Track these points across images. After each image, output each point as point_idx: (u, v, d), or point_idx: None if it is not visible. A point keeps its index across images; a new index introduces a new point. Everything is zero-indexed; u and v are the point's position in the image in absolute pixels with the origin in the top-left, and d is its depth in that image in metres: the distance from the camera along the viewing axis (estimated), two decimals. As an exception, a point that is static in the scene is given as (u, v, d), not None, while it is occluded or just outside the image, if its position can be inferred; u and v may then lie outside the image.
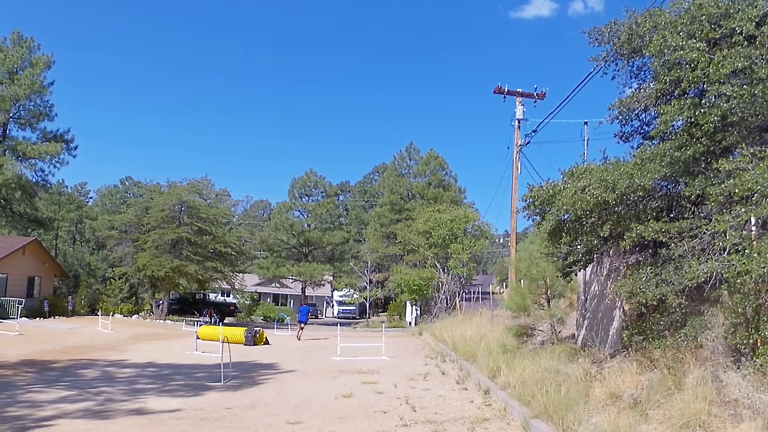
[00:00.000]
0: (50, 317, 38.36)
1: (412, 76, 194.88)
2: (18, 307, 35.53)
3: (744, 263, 7.76)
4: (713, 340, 9.18)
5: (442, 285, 42.72)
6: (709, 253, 8.91)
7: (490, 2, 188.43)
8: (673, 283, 9.19)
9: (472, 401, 12.24)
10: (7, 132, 50.04)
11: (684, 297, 9.34)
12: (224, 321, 46.17)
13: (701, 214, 9.75)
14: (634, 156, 11.87)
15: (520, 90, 30.81)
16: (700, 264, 8.61)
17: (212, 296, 60.69)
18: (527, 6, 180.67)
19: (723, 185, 8.63)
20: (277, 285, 72.42)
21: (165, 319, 45.02)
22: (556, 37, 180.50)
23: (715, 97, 9.44)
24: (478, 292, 47.12)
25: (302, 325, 34.88)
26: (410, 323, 48.71)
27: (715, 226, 8.74)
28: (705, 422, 7.45)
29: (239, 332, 27.48)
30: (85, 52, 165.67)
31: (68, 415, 10.64)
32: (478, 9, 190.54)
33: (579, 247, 13.15)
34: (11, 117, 49.38)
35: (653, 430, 7.89)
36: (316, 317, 68.75)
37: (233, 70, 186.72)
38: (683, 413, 7.62)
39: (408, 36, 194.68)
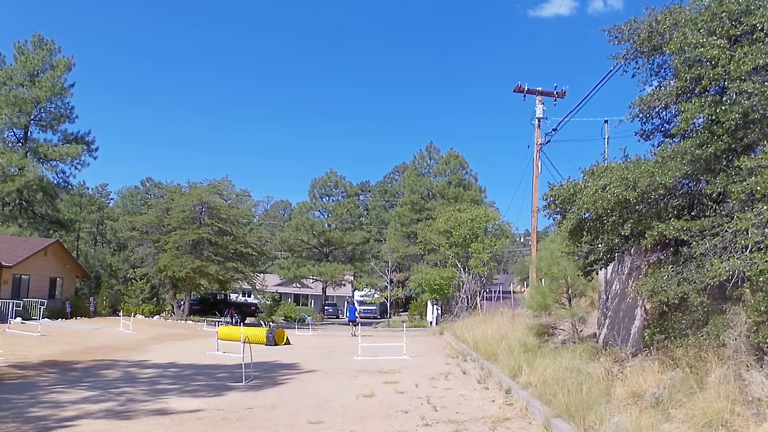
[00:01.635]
0: (72, 318, 38.80)
1: (432, 74, 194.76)
2: (40, 308, 35.98)
3: (766, 261, 7.71)
4: (735, 339, 9.11)
5: (463, 284, 42.66)
6: (731, 252, 8.84)
7: (509, 1, 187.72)
8: (694, 282, 9.14)
9: (493, 401, 12.22)
10: (29, 134, 50.84)
11: (706, 295, 9.29)
12: (245, 321, 46.39)
13: (723, 212, 9.66)
14: (654, 154, 11.80)
15: (540, 89, 30.67)
16: (722, 262, 8.55)
17: (233, 296, 61.03)
18: (546, 5, 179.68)
19: (745, 183, 8.57)
20: (298, 285, 72.63)
21: (186, 320, 45.37)
22: (575, 36, 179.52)
23: (736, 94, 9.37)
24: (499, 291, 47.00)
25: (353, 323, 38.35)
26: (431, 323, 48.69)
27: (736, 224, 8.68)
28: (727, 421, 7.41)
29: (260, 332, 27.61)
30: (105, 52, 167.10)
31: (90, 416, 10.74)
32: (497, 8, 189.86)
33: (600, 245, 13.11)
34: (32, 119, 50.09)
35: (675, 429, 7.85)
36: (337, 317, 68.91)
37: (253, 69, 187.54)
38: (705, 412, 7.58)
39: (427, 34, 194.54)
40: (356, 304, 75.01)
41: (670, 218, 10.32)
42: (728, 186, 9.09)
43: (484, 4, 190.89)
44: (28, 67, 49.02)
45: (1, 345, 17.31)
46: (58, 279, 43.12)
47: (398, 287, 66.83)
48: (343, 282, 71.47)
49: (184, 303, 47.73)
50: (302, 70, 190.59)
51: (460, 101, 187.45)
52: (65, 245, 48.26)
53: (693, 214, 10.79)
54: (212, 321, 44.70)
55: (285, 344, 27.96)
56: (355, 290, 78.99)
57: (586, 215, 12.12)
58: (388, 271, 63.04)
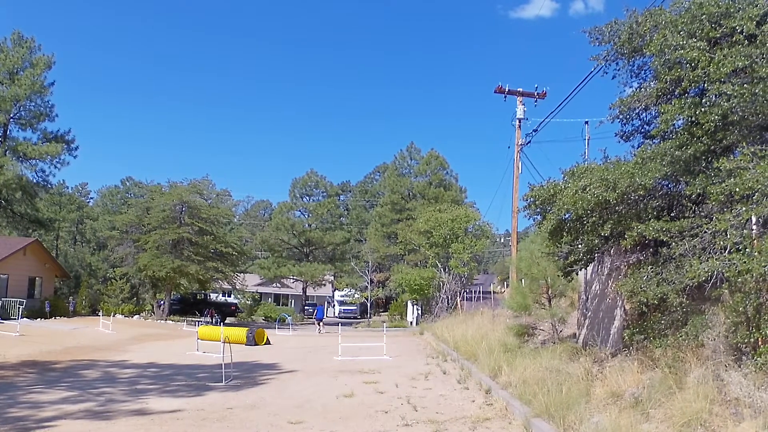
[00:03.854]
0: (51, 318, 38.37)
1: (413, 75, 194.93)
2: (19, 307, 35.53)
3: (745, 262, 7.77)
4: (714, 339, 9.18)
5: (443, 284, 42.75)
6: (710, 252, 8.91)
7: (490, 2, 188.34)
8: (674, 282, 9.19)
9: (473, 401, 12.23)
10: (8, 132, 50.09)
11: (685, 296, 9.35)
12: (225, 321, 46.22)
13: (702, 213, 9.74)
14: (634, 155, 11.89)
15: (521, 89, 30.79)
16: (701, 263, 8.60)
17: (213, 296, 60.72)
18: (527, 6, 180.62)
19: (724, 184, 8.64)
20: (278, 285, 72.39)
21: (166, 320, 45.08)
22: (556, 37, 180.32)
23: (715, 96, 9.45)
24: (479, 291, 47.06)
25: (320, 321, 43.09)
26: (411, 323, 48.71)
27: (716, 225, 8.74)
28: (706, 421, 7.46)
29: (240, 332, 27.49)
30: (85, 50, 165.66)
31: (70, 416, 10.65)
32: (477, 9, 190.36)
33: (580, 246, 13.16)
34: (12, 117, 49.43)
35: (654, 429, 7.89)
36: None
37: (233, 69, 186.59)
38: (684, 412, 7.63)
39: (408, 35, 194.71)
40: (338, 304, 75.32)
41: (650, 219, 10.39)
42: (707, 187, 9.15)
43: (465, 4, 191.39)
44: (8, 65, 48.38)
45: (-22, 345, 17.09)
46: (37, 278, 42.69)
47: (379, 287, 66.82)
48: (323, 282, 71.32)
49: (164, 303, 47.42)
50: (282, 70, 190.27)
51: (441, 102, 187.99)
52: (44, 244, 47.80)
53: (672, 215, 10.87)
54: (192, 321, 44.46)
55: (265, 344, 27.86)
56: (335, 290, 78.90)
57: (567, 216, 12.17)
58: (368, 271, 63.02)
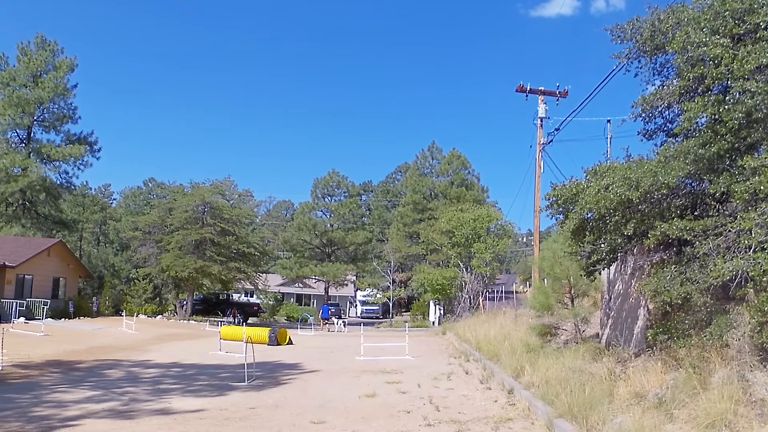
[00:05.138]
0: (75, 318, 38.79)
1: (434, 74, 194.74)
2: (43, 308, 35.96)
3: (770, 261, 7.69)
4: (739, 339, 9.08)
5: (465, 284, 42.64)
6: (734, 251, 8.82)
7: (510, 2, 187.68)
8: (698, 282, 9.11)
9: (495, 401, 12.20)
10: (32, 135, 50.86)
11: (709, 295, 9.26)
12: (248, 321, 46.43)
13: (726, 212, 9.63)
14: (657, 154, 11.78)
15: (542, 88, 30.66)
16: (725, 262, 8.52)
17: (236, 296, 61.05)
18: (548, 5, 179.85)
19: (748, 182, 8.55)
20: (300, 285, 72.51)
21: (189, 320, 45.40)
22: (578, 35, 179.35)
23: (739, 93, 9.33)
24: (502, 291, 47.05)
25: (325, 321, 44.57)
26: (433, 323, 48.67)
27: (740, 223, 8.65)
28: (731, 422, 7.39)
29: (263, 332, 27.59)
30: (107, 52, 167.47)
31: (93, 415, 10.75)
32: (497, 9, 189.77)
33: (603, 245, 13.08)
34: (35, 120, 50.17)
35: (678, 429, 7.83)
36: (339, 317, 68.88)
37: (255, 68, 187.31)
38: (709, 413, 7.56)
39: (428, 35, 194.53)
40: (360, 305, 75.36)
41: (673, 218, 10.29)
42: (731, 185, 9.06)
43: (485, 4, 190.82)
44: (31, 68, 49.05)
45: (5, 345, 17.27)
46: (61, 279, 43.08)
47: (401, 287, 66.74)
48: (345, 282, 71.30)
49: (186, 303, 47.76)
50: (304, 69, 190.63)
51: (462, 101, 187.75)
52: (68, 245, 48.18)
53: (696, 213, 10.76)
54: (215, 321, 44.64)
55: (287, 344, 27.94)
56: (357, 290, 78.95)
57: (589, 215, 12.08)
58: (390, 271, 63.00)
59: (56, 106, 50.71)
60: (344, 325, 45.15)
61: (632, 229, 11.03)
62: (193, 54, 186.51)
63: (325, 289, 70.34)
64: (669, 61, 12.75)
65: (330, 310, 47.91)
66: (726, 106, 9.42)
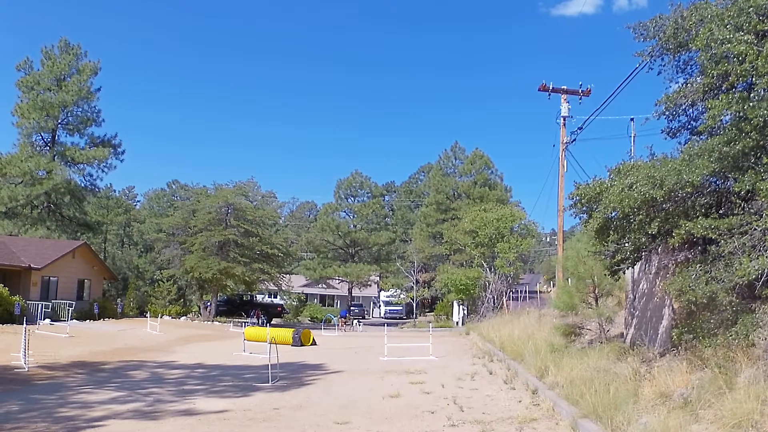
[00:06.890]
0: (100, 319, 39.17)
1: (456, 73, 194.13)
2: (68, 309, 36.37)
3: (796, 260, 7.62)
4: (765, 339, 8.99)
5: (489, 284, 42.53)
6: (760, 250, 8.74)
7: (531, 1, 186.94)
8: (723, 281, 9.03)
9: (519, 401, 12.18)
10: (56, 138, 51.57)
11: (735, 294, 9.19)
12: (271, 322, 46.62)
13: (751, 210, 9.54)
14: (681, 152, 11.70)
15: (565, 87, 30.47)
16: (750, 261, 8.45)
17: (259, 297, 61.30)
18: (570, 3, 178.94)
19: (773, 180, 8.47)
20: (324, 286, 72.78)
21: (213, 321, 45.71)
22: (600, 34, 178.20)
23: (764, 90, 9.25)
24: (525, 291, 46.85)
25: (344, 320, 46.44)
26: (457, 323, 48.63)
27: (765, 221, 8.58)
28: (758, 423, 7.32)
29: (287, 333, 27.71)
30: (130, 53, 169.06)
31: (118, 416, 10.88)
32: (519, 8, 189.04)
33: (627, 244, 13.00)
34: (60, 123, 50.87)
35: (704, 430, 7.77)
36: (363, 317, 68.98)
37: (278, 68, 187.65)
38: (735, 413, 7.50)
39: (451, 33, 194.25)
40: (384, 305, 75.52)
41: (698, 217, 10.22)
42: (757, 183, 8.98)
43: (506, 3, 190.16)
44: (55, 72, 49.71)
45: (31, 346, 17.52)
46: (85, 281, 43.49)
47: (424, 287, 66.79)
48: (368, 283, 71.45)
49: (210, 304, 48.06)
50: (326, 68, 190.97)
51: (485, 100, 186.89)
52: (93, 247, 48.62)
53: (721, 212, 10.68)
54: (239, 322, 44.91)
55: (311, 345, 28.03)
56: (381, 291, 79.06)
57: (613, 214, 12.03)
58: (413, 271, 63.06)
59: (80, 110, 51.37)
60: (359, 324, 47.90)
61: (656, 228, 10.96)
62: (217, 54, 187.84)
63: (348, 289, 70.53)
64: (692, 59, 12.67)
65: (348, 313, 51.75)
66: (751, 103, 9.33)
